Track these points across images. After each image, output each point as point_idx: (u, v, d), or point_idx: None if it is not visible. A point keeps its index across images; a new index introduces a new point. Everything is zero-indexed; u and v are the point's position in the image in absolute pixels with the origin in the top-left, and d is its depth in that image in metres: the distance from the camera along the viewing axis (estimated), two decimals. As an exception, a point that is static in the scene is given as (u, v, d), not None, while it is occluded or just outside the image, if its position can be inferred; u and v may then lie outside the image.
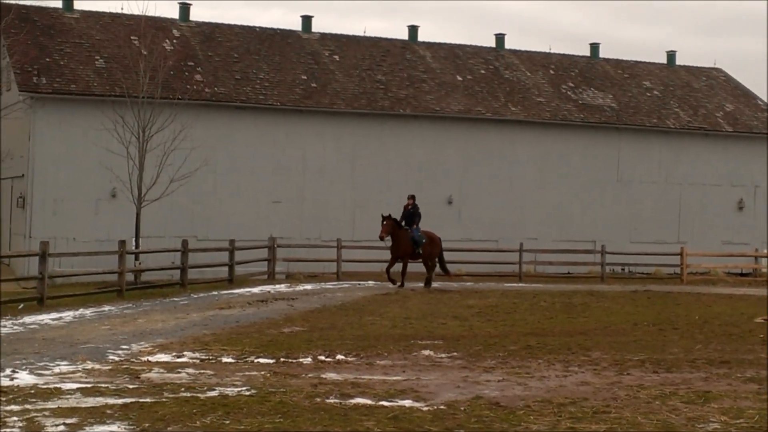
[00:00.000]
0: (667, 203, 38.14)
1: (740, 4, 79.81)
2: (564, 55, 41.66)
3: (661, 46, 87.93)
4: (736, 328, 16.64)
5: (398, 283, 25.13)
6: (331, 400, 9.22)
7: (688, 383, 10.52)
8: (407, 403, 9.18)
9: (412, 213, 25.66)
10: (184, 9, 35.26)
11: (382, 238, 25.13)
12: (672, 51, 43.76)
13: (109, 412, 8.57)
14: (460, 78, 37.13)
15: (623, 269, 35.24)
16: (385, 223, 25.02)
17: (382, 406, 8.96)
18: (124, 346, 13.37)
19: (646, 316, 18.78)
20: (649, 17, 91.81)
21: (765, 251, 36.91)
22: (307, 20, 37.30)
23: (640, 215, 37.51)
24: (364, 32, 38.80)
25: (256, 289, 23.99)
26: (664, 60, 43.72)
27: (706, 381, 10.73)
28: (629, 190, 37.59)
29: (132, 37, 31.69)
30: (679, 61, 43.96)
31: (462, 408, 8.92)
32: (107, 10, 34.03)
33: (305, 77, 34.24)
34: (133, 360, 12.06)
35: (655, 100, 39.88)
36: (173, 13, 36.96)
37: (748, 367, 11.80)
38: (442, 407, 8.96)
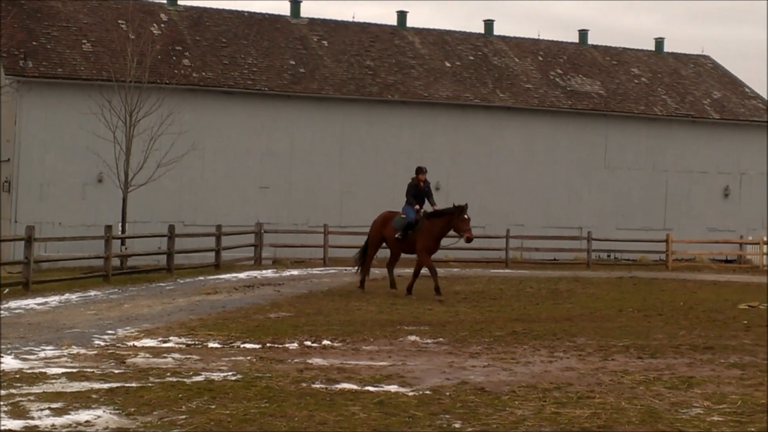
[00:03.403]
0: (653, 190, 38.23)
1: (728, -9, 79.97)
2: (552, 41, 41.64)
3: (649, 33, 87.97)
4: (720, 315, 16.72)
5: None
6: (317, 385, 9.22)
7: (672, 369, 10.57)
8: (393, 388, 9.20)
9: (426, 191, 20.01)
10: (172, -7, 35.11)
11: (471, 239, 19.13)
12: (660, 38, 43.80)
13: (94, 396, 8.56)
14: (448, 64, 37.09)
15: (609, 256, 35.39)
16: (467, 217, 19.08)
17: (368, 391, 8.97)
18: (109, 331, 13.34)
19: (631, 302, 18.85)
20: (638, 4, 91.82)
21: (750, 238, 37.11)
22: (295, 5, 37.16)
23: (626, 202, 37.60)
24: (353, 18, 38.80)
25: (242, 275, 23.98)
26: (652, 47, 43.75)
27: (690, 366, 10.78)
28: (616, 177, 37.67)
29: (119, 21, 31.51)
30: (667, 48, 44.00)
31: (447, 393, 8.94)
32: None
33: (293, 62, 34.14)
34: (119, 345, 12.04)
35: (642, 87, 39.93)
36: (161, -4, 36.70)
37: (732, 353, 11.87)
38: (427, 392, 8.97)
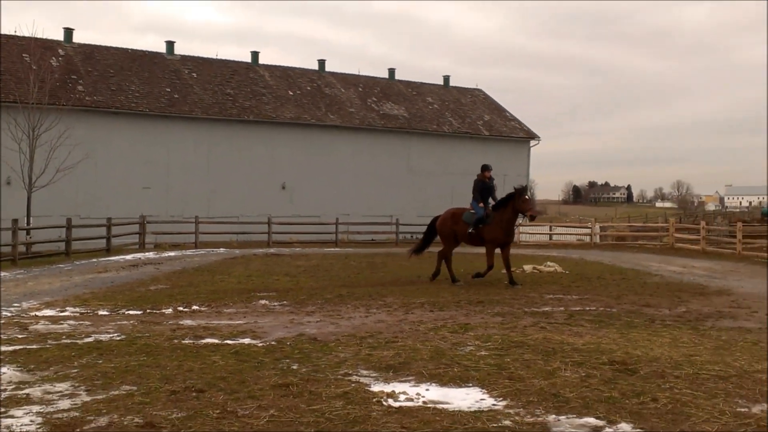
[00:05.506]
0: (444, 189, 39.41)
1: (502, 41, 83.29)
2: (369, 76, 42.08)
3: (439, 71, 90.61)
4: (492, 278, 17.32)
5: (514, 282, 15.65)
6: (187, 341, 8.95)
7: (454, 318, 10.88)
8: (246, 341, 9.05)
9: (492, 187, 16.34)
10: (68, 32, 33.20)
11: (534, 217, 15.48)
12: (447, 75, 45.11)
13: (0, 357, 7.97)
14: (291, 93, 36.82)
15: (412, 236, 36.15)
16: (528, 197, 15.65)
17: (227, 344, 8.79)
18: (15, 304, 12.47)
19: (427, 271, 19.29)
20: (432, 49, 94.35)
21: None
22: (170, 45, 35.91)
23: (424, 197, 38.59)
24: (217, 55, 37.82)
25: (129, 257, 22.95)
26: (441, 82, 44.96)
27: (467, 316, 11.13)
28: (417, 179, 38.58)
29: (24, 55, 29.48)
30: (452, 83, 45.35)
31: (288, 343, 8.87)
32: (3, 32, 31.52)
33: (169, 90, 32.97)
34: (23, 315, 11.27)
35: (435, 111, 41.00)
36: (59, 35, 34.59)
37: (497, 305, 12.36)
38: (273, 343, 8.88)
